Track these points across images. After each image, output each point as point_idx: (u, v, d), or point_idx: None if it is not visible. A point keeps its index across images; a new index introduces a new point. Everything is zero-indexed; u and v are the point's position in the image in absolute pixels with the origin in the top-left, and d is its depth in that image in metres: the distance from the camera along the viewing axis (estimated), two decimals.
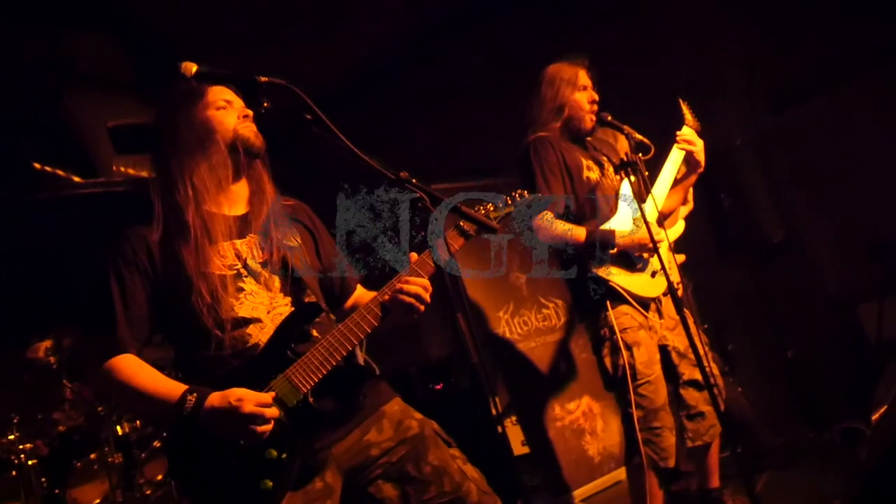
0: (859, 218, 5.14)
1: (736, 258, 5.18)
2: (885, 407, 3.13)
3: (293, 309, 2.10)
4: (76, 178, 4.55)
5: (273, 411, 1.89)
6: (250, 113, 2.15)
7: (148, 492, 4.17)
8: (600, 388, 4.72)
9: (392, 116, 6.20)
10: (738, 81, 5.57)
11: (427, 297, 2.04)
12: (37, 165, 4.44)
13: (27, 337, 4.41)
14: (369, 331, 2.03)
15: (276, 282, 2.12)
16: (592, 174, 3.34)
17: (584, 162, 3.35)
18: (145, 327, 2.03)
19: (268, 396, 1.90)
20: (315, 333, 2.06)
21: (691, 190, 3.74)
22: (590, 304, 3.15)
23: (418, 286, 2.04)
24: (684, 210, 3.91)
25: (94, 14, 4.90)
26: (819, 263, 5.33)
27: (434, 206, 1.71)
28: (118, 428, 4.25)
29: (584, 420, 4.80)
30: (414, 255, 2.10)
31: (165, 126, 2.19)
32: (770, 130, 5.50)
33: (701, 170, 3.35)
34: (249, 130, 2.15)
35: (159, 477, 4.39)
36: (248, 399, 1.86)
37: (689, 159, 3.32)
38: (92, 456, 4.17)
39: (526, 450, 4.61)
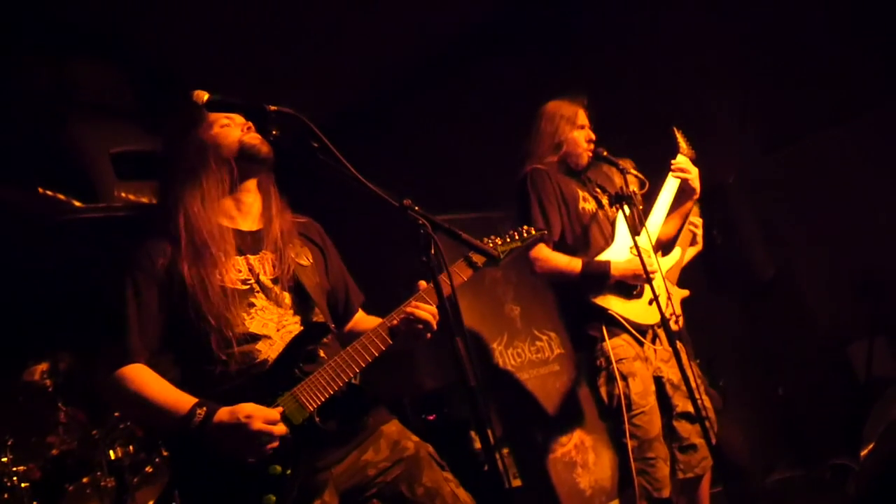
0: (850, 257, 5.23)
1: (727, 295, 5.23)
2: (873, 443, 3.16)
3: (302, 327, 2.14)
4: (77, 203, 4.59)
5: (281, 428, 1.92)
6: (252, 124, 2.19)
7: None
8: (592, 422, 4.79)
9: (388, 148, 6.28)
10: (731, 121, 5.69)
11: (435, 324, 2.08)
12: (40, 190, 4.49)
13: (24, 360, 4.41)
14: (377, 354, 2.07)
15: (287, 298, 2.16)
16: (588, 206, 3.40)
17: (581, 194, 3.42)
18: (157, 338, 2.05)
19: (276, 413, 1.93)
20: (322, 354, 2.10)
21: (700, 231, 3.83)
22: (586, 334, 3.21)
23: (427, 313, 2.09)
24: (692, 251, 3.98)
25: (95, 43, 4.98)
26: (810, 301, 5.40)
27: (436, 233, 1.76)
28: (111, 452, 4.24)
29: (575, 453, 4.81)
30: (423, 283, 2.15)
31: (172, 150, 2.24)
32: (762, 169, 5.61)
33: (697, 196, 3.43)
34: (255, 139, 2.18)
35: (150, 502, 4.38)
36: (256, 416, 1.89)
37: (685, 187, 3.40)
38: (84, 480, 4.14)
39: (518, 482, 4.61)
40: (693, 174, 3.38)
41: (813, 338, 5.30)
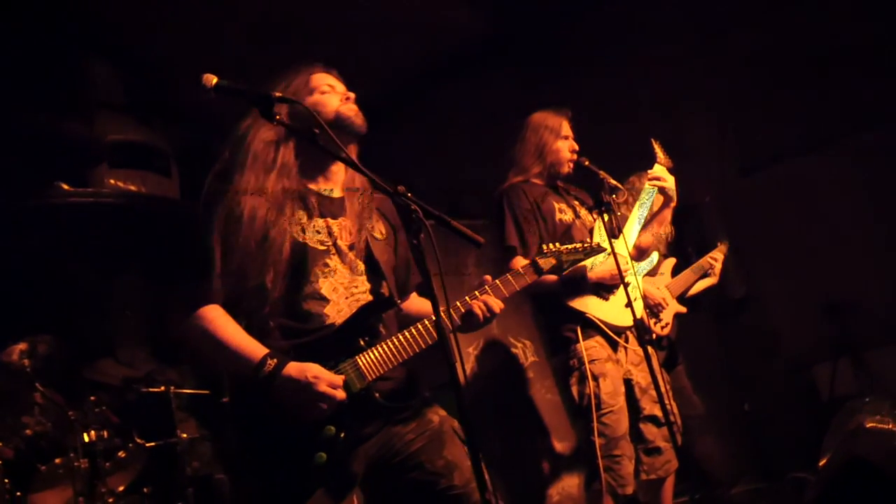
0: (818, 280, 5.40)
1: (699, 311, 5.36)
2: (830, 453, 3.29)
3: (371, 298, 2.22)
4: (65, 187, 4.63)
5: (341, 394, 2.00)
6: (352, 95, 2.28)
7: (110, 500, 4.17)
8: (562, 430, 4.87)
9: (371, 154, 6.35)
10: (710, 144, 5.85)
11: (496, 316, 2.22)
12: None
13: (3, 340, 4.42)
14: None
15: (360, 266, 2.24)
16: (565, 216, 3.50)
17: (557, 206, 3.52)
18: (234, 282, 2.11)
19: (340, 379, 2.02)
20: (382, 329, 2.17)
21: (718, 265, 3.97)
22: (561, 335, 3.31)
23: (494, 305, 2.21)
24: (706, 282, 4.13)
25: (91, 41, 5.05)
26: (778, 322, 5.56)
27: (427, 219, 1.85)
28: (85, 435, 4.25)
29: (544, 460, 4.89)
30: (489, 278, 2.27)
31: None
32: (738, 191, 5.77)
33: (674, 204, 3.54)
34: (351, 110, 2.29)
35: (121, 488, 4.40)
36: (323, 379, 1.98)
37: (662, 195, 3.52)
38: (57, 461, 4.15)
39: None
40: (670, 183, 3.50)
41: (780, 357, 5.45)
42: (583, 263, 3.28)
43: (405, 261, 2.48)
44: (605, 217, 3.14)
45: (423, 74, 6.24)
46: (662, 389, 2.94)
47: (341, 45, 5.57)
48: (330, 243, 2.21)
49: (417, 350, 2.13)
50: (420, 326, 2.16)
